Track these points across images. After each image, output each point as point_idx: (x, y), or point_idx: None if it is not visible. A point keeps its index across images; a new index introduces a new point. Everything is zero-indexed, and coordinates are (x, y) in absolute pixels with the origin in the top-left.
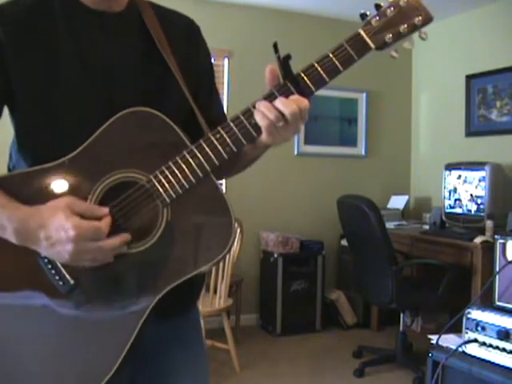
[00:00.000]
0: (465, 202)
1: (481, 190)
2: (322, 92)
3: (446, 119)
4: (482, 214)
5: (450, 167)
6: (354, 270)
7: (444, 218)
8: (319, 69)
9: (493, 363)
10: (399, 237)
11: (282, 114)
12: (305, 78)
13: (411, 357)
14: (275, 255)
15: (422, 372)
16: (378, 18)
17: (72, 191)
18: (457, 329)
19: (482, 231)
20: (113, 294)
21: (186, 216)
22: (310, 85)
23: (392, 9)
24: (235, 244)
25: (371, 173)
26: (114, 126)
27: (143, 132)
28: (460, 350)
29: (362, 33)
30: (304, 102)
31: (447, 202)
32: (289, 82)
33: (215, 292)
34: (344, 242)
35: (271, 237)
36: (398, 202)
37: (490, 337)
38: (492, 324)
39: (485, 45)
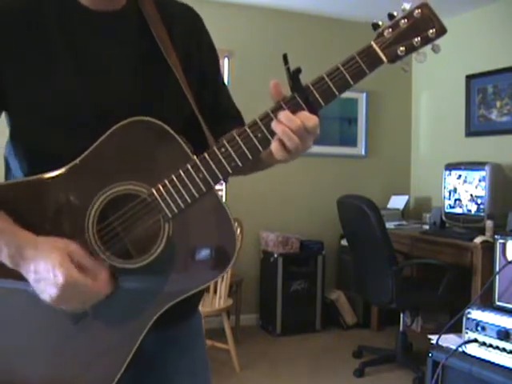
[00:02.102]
0: (465, 201)
1: (481, 190)
2: None
3: (445, 119)
4: (482, 214)
5: (450, 167)
6: (354, 270)
7: (444, 217)
8: (329, 82)
9: (493, 363)
10: (399, 237)
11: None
12: (314, 91)
13: (411, 357)
14: (275, 255)
15: (422, 372)
16: (390, 29)
17: (72, 202)
18: (457, 329)
19: (482, 231)
20: (112, 308)
21: (188, 232)
22: (320, 99)
23: (405, 20)
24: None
25: (371, 173)
26: (114, 135)
27: (145, 143)
28: (460, 350)
29: (375, 45)
30: (311, 121)
31: (447, 202)
32: (297, 95)
33: (215, 292)
34: (344, 242)
35: (271, 237)
36: (397, 201)
37: (490, 337)
38: (492, 324)
39: (485, 45)
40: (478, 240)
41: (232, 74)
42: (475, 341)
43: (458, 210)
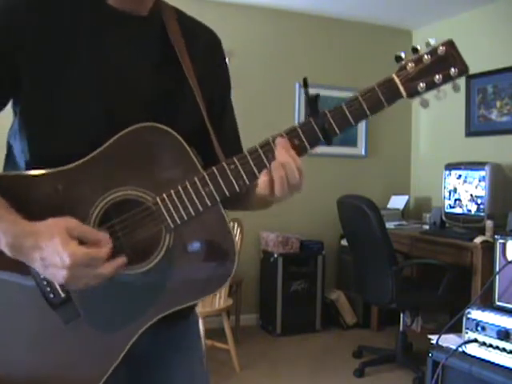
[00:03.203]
0: (465, 201)
1: (481, 190)
2: (321, 92)
3: (446, 119)
4: (482, 214)
5: (450, 167)
6: (354, 270)
7: (444, 218)
8: (346, 111)
9: (493, 363)
10: (399, 237)
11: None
12: (330, 119)
13: (411, 357)
14: (275, 255)
15: (422, 372)
16: (413, 64)
17: (74, 203)
18: (457, 329)
19: (482, 231)
20: (103, 312)
21: (188, 244)
22: (335, 126)
23: (429, 56)
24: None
25: (371, 173)
26: (124, 139)
27: (154, 150)
28: (460, 350)
29: (396, 79)
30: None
31: (447, 202)
32: (313, 121)
33: None
34: (344, 242)
35: (271, 237)
36: (397, 202)
37: (490, 337)
38: (492, 324)
39: (485, 45)
40: (478, 240)
41: (232, 74)
42: (475, 341)
43: (458, 210)
